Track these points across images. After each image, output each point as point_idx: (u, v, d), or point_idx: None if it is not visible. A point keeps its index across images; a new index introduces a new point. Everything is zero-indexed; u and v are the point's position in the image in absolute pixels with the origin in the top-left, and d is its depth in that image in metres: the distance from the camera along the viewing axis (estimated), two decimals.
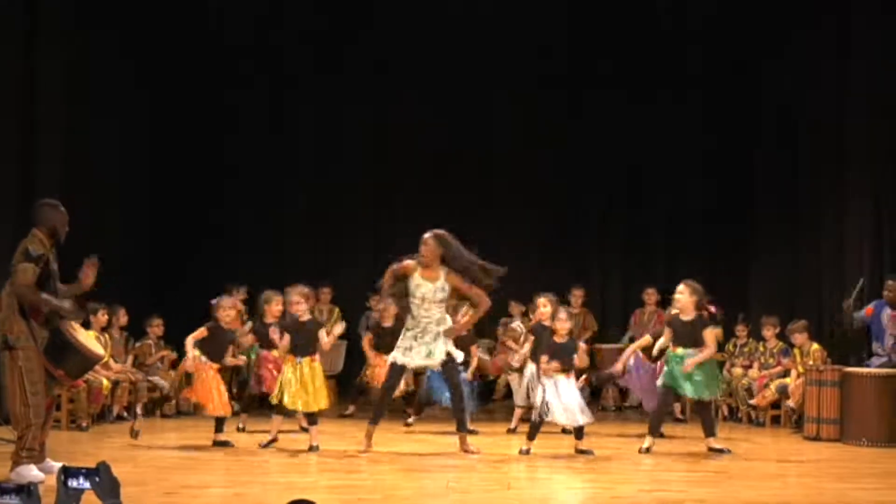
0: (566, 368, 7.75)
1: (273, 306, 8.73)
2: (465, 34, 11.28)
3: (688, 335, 7.92)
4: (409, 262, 7.76)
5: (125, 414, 9.33)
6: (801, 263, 10.77)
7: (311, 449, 7.87)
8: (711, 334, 7.95)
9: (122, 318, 9.60)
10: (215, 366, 8.09)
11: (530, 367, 8.58)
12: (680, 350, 7.91)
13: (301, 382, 7.87)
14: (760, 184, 11.17)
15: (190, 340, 8.03)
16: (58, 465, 6.45)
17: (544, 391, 7.69)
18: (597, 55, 11.48)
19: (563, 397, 7.68)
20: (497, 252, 11.50)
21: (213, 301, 8.29)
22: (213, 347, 8.09)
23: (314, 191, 11.83)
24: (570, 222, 11.81)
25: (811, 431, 8.79)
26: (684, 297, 7.97)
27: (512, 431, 9.07)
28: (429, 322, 7.78)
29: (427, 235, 7.76)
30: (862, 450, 8.32)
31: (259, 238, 11.66)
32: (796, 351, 9.46)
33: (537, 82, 11.56)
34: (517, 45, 11.38)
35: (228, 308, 8.23)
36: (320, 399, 7.93)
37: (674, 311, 8.16)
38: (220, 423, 8.04)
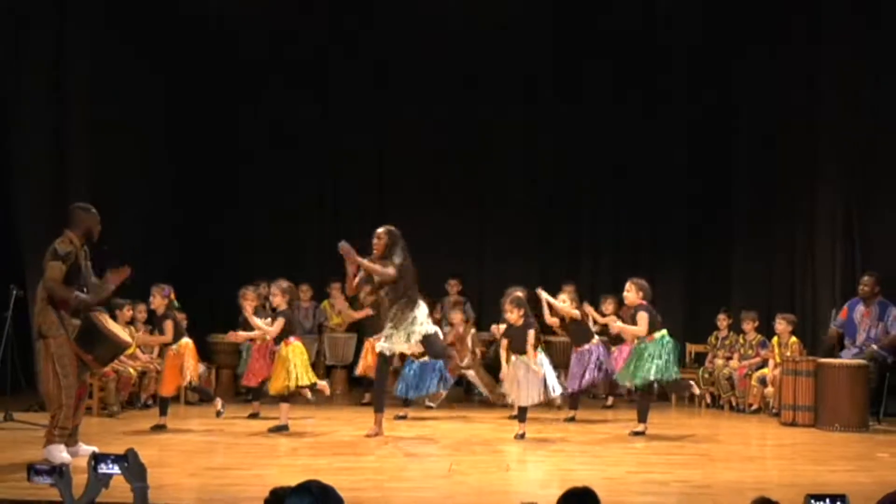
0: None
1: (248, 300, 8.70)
2: (460, 47, 11.19)
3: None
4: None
5: (151, 402, 9.34)
6: (777, 262, 10.75)
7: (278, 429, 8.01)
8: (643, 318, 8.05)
9: (142, 312, 9.59)
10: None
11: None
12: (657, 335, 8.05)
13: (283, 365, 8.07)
14: (739, 186, 11.12)
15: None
16: (89, 448, 6.55)
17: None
18: (583, 63, 11.42)
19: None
20: (492, 250, 11.70)
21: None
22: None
23: (321, 192, 11.80)
24: (560, 222, 11.76)
25: (788, 418, 8.79)
26: (631, 294, 8.11)
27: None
28: (391, 305, 7.83)
29: (380, 230, 7.87)
30: (834, 435, 8.33)
31: (271, 237, 11.65)
32: (775, 340, 9.48)
33: (527, 90, 11.51)
34: (510, 54, 11.30)
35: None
36: (293, 380, 8.03)
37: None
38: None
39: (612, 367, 8.98)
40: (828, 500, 3.52)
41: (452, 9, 10.87)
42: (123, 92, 10.00)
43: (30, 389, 8.67)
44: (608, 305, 9.97)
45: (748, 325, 9.78)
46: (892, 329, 9.02)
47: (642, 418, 8.06)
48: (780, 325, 9.45)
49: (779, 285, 10.68)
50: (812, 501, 3.53)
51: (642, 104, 11.37)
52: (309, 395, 8.53)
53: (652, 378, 8.00)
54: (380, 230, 7.89)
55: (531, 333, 7.96)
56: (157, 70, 10.61)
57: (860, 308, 9.19)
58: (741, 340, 9.86)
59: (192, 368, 8.29)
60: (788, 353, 9.23)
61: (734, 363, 9.76)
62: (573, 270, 11.27)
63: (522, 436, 7.85)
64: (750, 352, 9.74)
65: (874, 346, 8.97)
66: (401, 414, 8.92)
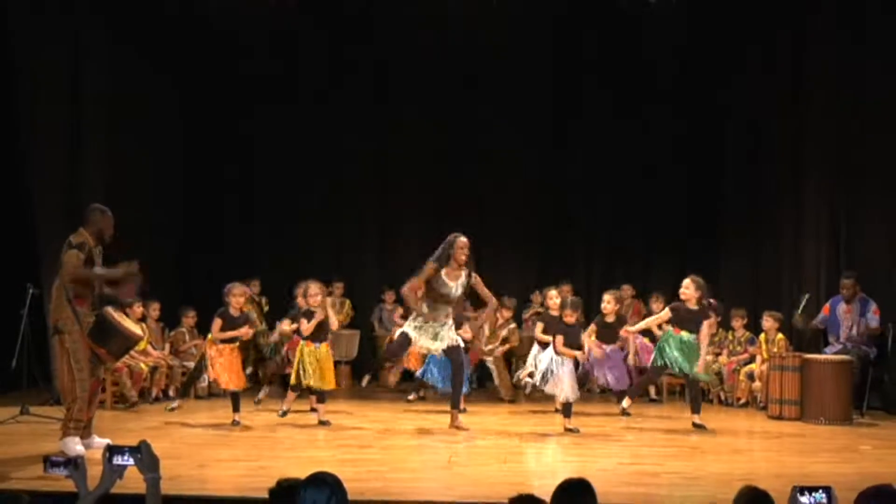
0: (580, 347, 8.03)
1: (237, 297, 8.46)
2: (461, 52, 11.20)
3: (691, 322, 8.06)
4: (433, 265, 7.76)
5: (161, 396, 9.34)
6: (764, 262, 10.77)
7: (322, 423, 8.00)
8: (706, 325, 8.10)
9: (156, 310, 9.60)
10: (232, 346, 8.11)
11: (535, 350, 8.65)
12: (684, 334, 8.05)
13: (317, 364, 8.01)
14: (728, 189, 11.13)
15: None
16: (103, 441, 6.55)
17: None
18: (582, 74, 11.43)
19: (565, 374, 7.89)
20: (491, 250, 11.68)
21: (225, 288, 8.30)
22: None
23: (329, 193, 11.80)
24: (559, 225, 11.76)
25: (774, 411, 8.81)
26: (690, 291, 8.07)
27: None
28: (443, 314, 7.82)
29: (460, 235, 7.79)
30: (819, 427, 8.33)
31: (279, 237, 11.65)
32: (762, 336, 9.49)
33: (527, 97, 11.50)
34: (510, 60, 11.30)
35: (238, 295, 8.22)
36: (330, 380, 8.09)
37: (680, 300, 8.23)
38: (236, 400, 8.07)
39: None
40: (814, 491, 3.52)
41: (453, 15, 10.84)
42: (136, 98, 10.00)
43: (45, 384, 8.67)
44: (626, 291, 10.27)
45: (737, 323, 9.80)
46: (872, 323, 9.04)
47: (697, 409, 8.16)
48: (767, 322, 9.48)
49: (766, 284, 10.69)
50: (799, 492, 3.54)
51: (636, 113, 11.37)
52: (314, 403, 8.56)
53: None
54: (466, 240, 7.75)
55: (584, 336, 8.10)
56: (168, 75, 10.61)
57: (842, 305, 9.21)
58: (730, 337, 9.88)
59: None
60: (775, 350, 9.26)
61: (723, 359, 9.77)
62: (569, 270, 11.26)
63: (576, 430, 7.83)
64: (738, 348, 9.75)
65: (856, 337, 8.98)
66: (418, 395, 8.86)
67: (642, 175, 11.46)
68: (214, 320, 8.05)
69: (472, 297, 8.43)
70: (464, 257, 7.72)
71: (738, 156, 10.96)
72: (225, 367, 8.04)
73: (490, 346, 9.88)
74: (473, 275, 7.80)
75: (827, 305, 9.33)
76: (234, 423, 7.94)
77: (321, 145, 11.65)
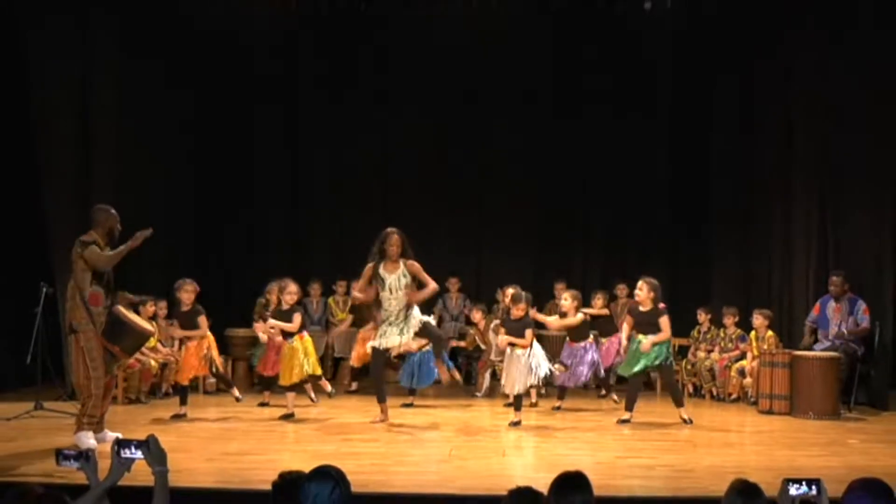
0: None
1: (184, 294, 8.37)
2: (463, 56, 11.17)
3: (645, 324, 8.14)
4: (370, 264, 7.83)
5: (171, 391, 9.33)
6: (755, 261, 10.74)
7: (287, 416, 8.06)
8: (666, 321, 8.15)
9: (163, 309, 9.58)
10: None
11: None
12: (641, 336, 8.13)
13: (292, 358, 8.09)
14: (719, 192, 11.10)
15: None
16: (114, 434, 6.56)
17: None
18: (581, 77, 11.40)
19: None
20: (490, 249, 11.68)
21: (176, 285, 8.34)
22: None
23: (330, 195, 11.79)
24: (556, 226, 11.73)
25: (765, 406, 8.79)
26: (643, 292, 8.16)
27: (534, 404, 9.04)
28: (397, 308, 7.81)
29: (395, 234, 7.80)
30: (808, 422, 8.32)
31: (283, 236, 11.64)
32: (753, 334, 9.48)
33: (524, 101, 11.49)
34: (508, 69, 11.29)
35: (189, 291, 8.25)
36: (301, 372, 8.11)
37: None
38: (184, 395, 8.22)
39: (601, 362, 9.03)
40: (803, 484, 3.51)
41: (454, 19, 10.82)
42: (146, 104, 9.98)
43: (58, 380, 8.66)
44: (621, 290, 10.25)
45: (728, 321, 9.78)
46: (862, 322, 9.02)
47: (679, 403, 8.20)
48: (758, 320, 9.47)
49: (756, 283, 10.67)
50: (789, 484, 3.53)
51: (631, 115, 11.36)
52: (311, 394, 8.56)
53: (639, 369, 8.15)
54: (394, 234, 7.80)
55: (529, 332, 8.05)
56: (178, 82, 10.58)
57: (832, 304, 9.19)
58: (721, 334, 9.86)
59: (216, 358, 8.38)
60: (765, 347, 9.23)
61: (715, 356, 9.75)
62: (565, 269, 11.25)
63: (518, 423, 7.84)
64: (730, 345, 9.73)
65: (844, 332, 8.98)
66: (407, 402, 8.90)
67: (638, 177, 11.44)
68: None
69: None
70: (395, 249, 7.75)
71: (730, 159, 10.95)
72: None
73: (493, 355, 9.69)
74: (409, 262, 7.81)
75: (818, 305, 9.31)
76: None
77: (325, 149, 11.64)
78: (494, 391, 9.52)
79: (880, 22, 9.20)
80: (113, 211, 6.91)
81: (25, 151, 9.10)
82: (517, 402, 7.99)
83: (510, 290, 8.79)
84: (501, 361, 8.66)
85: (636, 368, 8.12)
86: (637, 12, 10.69)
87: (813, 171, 9.84)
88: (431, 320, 8.19)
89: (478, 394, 9.72)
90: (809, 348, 9.13)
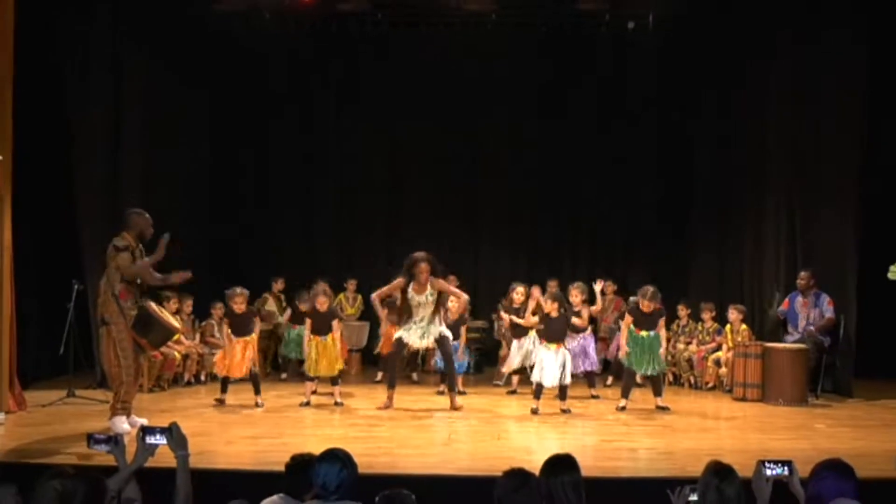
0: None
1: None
2: (459, 77, 11.19)
3: (647, 322, 8.12)
4: (401, 279, 7.96)
5: (193, 380, 9.33)
6: (729, 259, 10.74)
7: (337, 404, 8.05)
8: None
9: (189, 306, 9.56)
10: (240, 340, 8.14)
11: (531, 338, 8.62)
12: (643, 333, 8.11)
13: (321, 354, 8.09)
14: (698, 194, 11.11)
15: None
16: (141, 420, 6.56)
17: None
18: (567, 89, 11.39)
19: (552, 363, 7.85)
20: (486, 249, 11.68)
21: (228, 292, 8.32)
22: (237, 327, 8.20)
23: (341, 197, 11.79)
24: (546, 226, 11.73)
25: (739, 394, 8.79)
26: (647, 299, 8.08)
27: (512, 393, 8.99)
28: (422, 317, 7.96)
29: (422, 261, 7.87)
30: (779, 408, 8.32)
31: (297, 237, 11.64)
32: (728, 327, 9.48)
33: (520, 109, 11.47)
34: (503, 84, 11.29)
35: (239, 302, 8.21)
36: (336, 366, 8.16)
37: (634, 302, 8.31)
38: (225, 384, 8.16)
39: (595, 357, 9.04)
40: (776, 465, 3.52)
41: (454, 38, 10.79)
42: (170, 112, 9.99)
43: (89, 369, 8.66)
44: (608, 287, 10.05)
45: (706, 315, 9.77)
46: (827, 313, 9.02)
47: (655, 392, 8.19)
48: (732, 314, 9.47)
49: (730, 280, 10.67)
50: (764, 465, 3.54)
51: (616, 123, 11.37)
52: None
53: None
54: (422, 262, 7.85)
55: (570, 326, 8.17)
56: (199, 90, 10.63)
57: (799, 299, 9.21)
58: (699, 328, 9.86)
59: (256, 361, 8.31)
60: (739, 339, 9.24)
61: (693, 347, 9.75)
62: (556, 267, 11.25)
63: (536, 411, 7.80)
64: (707, 337, 9.73)
65: (811, 328, 8.98)
66: (440, 390, 8.82)
67: (622, 182, 11.46)
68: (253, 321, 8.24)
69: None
70: (424, 276, 7.89)
71: (708, 165, 10.98)
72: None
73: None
74: (436, 281, 7.93)
75: (787, 300, 9.33)
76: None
77: (334, 155, 11.67)
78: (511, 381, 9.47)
79: (842, 22, 9.14)
80: (146, 214, 6.93)
81: (59, 158, 9.06)
82: (538, 391, 7.87)
83: (535, 289, 8.95)
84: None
85: (659, 367, 8.13)
86: (622, 31, 10.63)
87: (784, 176, 9.81)
88: (450, 336, 8.13)
89: (498, 382, 9.54)
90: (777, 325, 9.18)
